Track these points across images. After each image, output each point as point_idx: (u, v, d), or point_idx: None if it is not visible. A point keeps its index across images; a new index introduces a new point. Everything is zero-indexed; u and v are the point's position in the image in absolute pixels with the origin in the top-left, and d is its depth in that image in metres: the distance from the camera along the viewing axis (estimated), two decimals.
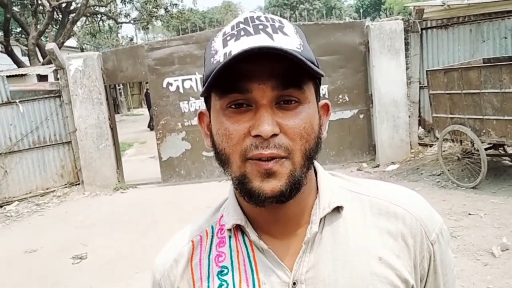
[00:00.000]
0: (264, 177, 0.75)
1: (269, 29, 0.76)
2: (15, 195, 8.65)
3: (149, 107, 17.11)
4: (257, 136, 0.74)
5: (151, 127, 16.66)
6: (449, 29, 8.38)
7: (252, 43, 0.73)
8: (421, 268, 0.84)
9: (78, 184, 8.99)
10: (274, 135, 0.74)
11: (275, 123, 0.74)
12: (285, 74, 0.75)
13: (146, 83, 16.95)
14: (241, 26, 0.78)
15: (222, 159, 0.80)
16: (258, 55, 0.71)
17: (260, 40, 0.74)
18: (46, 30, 18.02)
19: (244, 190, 0.78)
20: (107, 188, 8.70)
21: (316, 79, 0.82)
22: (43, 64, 15.53)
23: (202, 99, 0.86)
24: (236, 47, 0.74)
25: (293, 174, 0.76)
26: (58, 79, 8.91)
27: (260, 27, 0.77)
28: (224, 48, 0.76)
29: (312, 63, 0.76)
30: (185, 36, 8.92)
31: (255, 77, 0.74)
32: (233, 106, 0.77)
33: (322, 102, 0.86)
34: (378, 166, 8.34)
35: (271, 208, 0.80)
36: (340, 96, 8.57)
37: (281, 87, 0.75)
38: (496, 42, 8.06)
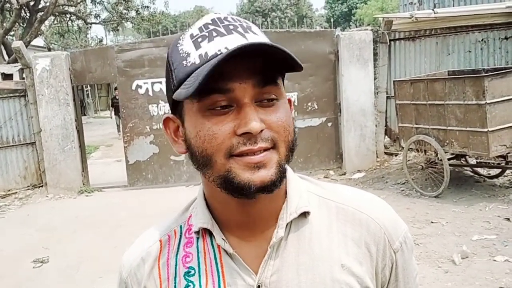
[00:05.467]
0: (255, 169, 0.75)
1: (240, 29, 0.76)
2: None
3: None
4: (244, 134, 0.74)
5: None
6: (416, 41, 8.59)
7: (229, 43, 0.73)
8: (382, 275, 0.85)
9: (42, 186, 8.77)
10: (260, 130, 0.75)
11: (259, 119, 0.75)
12: (262, 72, 0.75)
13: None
14: (211, 27, 0.77)
15: (203, 162, 0.78)
16: (237, 54, 0.71)
17: (235, 40, 0.74)
18: (13, 28, 17.61)
19: (231, 186, 0.77)
20: (72, 191, 8.53)
21: (283, 75, 0.82)
22: (8, 63, 15.15)
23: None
24: (212, 47, 0.74)
25: (280, 163, 0.77)
26: (23, 78, 8.71)
27: (231, 27, 0.76)
28: (197, 50, 0.75)
29: None
30: (156, 39, 8.86)
31: (235, 77, 0.74)
32: (218, 108, 0.75)
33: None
34: (344, 174, 8.45)
35: (245, 207, 0.81)
36: (309, 104, 8.66)
37: (261, 85, 0.75)
38: (461, 55, 8.31)
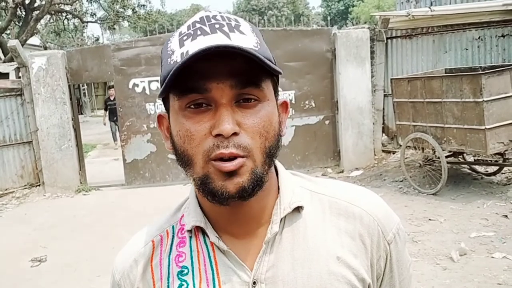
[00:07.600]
0: (226, 176, 0.75)
1: (225, 28, 0.76)
2: None
3: None
4: (218, 135, 0.73)
5: None
6: (413, 39, 8.59)
7: (209, 42, 0.72)
8: (377, 267, 0.86)
9: (39, 185, 8.74)
10: (235, 134, 0.74)
11: (235, 122, 0.74)
12: (243, 73, 0.74)
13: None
14: (197, 25, 0.77)
15: (184, 161, 0.79)
16: (216, 54, 0.71)
17: (217, 39, 0.73)
18: (9, 27, 17.54)
19: (207, 190, 0.77)
20: (69, 190, 8.51)
21: (274, 76, 0.81)
22: (4, 62, 15.08)
23: None
24: (193, 46, 0.74)
25: (254, 171, 0.76)
26: (20, 77, 8.67)
27: (217, 26, 0.76)
28: (180, 48, 0.75)
29: (270, 61, 0.76)
30: (153, 37, 8.84)
31: (213, 76, 0.74)
32: (192, 106, 0.76)
33: (281, 100, 0.86)
34: (342, 171, 8.46)
35: (233, 207, 0.80)
36: (307, 102, 8.66)
37: (240, 86, 0.74)
38: (458, 53, 8.31)
